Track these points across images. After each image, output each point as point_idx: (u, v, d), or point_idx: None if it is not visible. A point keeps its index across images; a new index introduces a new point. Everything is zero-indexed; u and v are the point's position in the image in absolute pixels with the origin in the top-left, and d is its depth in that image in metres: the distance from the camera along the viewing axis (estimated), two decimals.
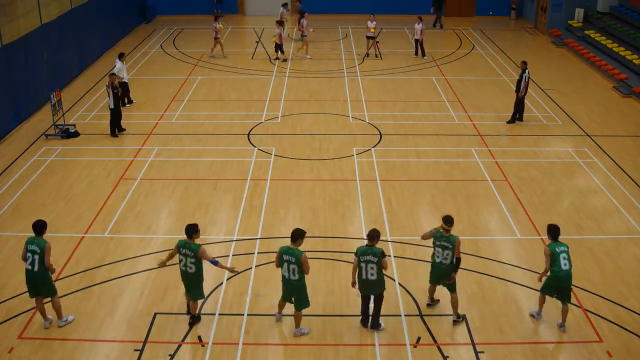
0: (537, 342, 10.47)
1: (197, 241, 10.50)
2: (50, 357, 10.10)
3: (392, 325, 10.79)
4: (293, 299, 10.41)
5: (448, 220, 10.49)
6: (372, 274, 10.20)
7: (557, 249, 10.51)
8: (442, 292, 11.10)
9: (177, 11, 35.02)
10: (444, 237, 10.49)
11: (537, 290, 11.67)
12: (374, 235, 10.26)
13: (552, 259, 10.48)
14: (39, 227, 10.44)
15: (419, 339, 10.50)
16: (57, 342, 10.42)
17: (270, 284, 11.89)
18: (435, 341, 10.44)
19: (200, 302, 11.04)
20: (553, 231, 10.69)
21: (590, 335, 10.61)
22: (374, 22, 26.08)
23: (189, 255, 10.34)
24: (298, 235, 10.18)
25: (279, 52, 26.42)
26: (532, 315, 11.07)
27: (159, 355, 10.14)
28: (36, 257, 10.24)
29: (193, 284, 10.55)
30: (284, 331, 10.71)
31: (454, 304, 10.82)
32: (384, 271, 10.33)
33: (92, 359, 10.08)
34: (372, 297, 10.59)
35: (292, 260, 10.09)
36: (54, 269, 10.57)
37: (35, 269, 10.29)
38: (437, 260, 10.66)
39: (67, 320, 10.81)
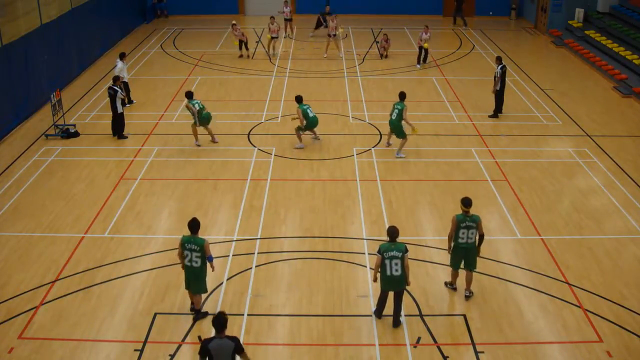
0: (537, 342, 10.47)
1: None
2: (50, 357, 10.10)
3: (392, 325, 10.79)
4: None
5: (468, 202, 11.09)
6: (396, 270, 10.40)
7: (396, 106, 16.68)
8: (443, 293, 11.07)
9: (176, 11, 35.00)
10: (467, 217, 11.03)
11: (536, 290, 11.71)
12: (394, 233, 10.54)
13: (391, 111, 16.90)
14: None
15: (419, 339, 10.50)
16: (57, 342, 10.42)
17: (270, 284, 11.90)
18: (435, 341, 10.44)
19: (203, 296, 11.06)
20: (402, 95, 16.83)
21: (590, 335, 10.61)
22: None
23: (195, 249, 10.45)
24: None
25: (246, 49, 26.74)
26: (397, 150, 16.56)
27: (159, 355, 10.14)
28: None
29: (197, 278, 10.62)
30: (283, 331, 10.73)
31: (470, 280, 11.35)
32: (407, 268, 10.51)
33: (92, 359, 10.09)
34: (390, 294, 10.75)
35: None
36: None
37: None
38: (462, 241, 11.09)
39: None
